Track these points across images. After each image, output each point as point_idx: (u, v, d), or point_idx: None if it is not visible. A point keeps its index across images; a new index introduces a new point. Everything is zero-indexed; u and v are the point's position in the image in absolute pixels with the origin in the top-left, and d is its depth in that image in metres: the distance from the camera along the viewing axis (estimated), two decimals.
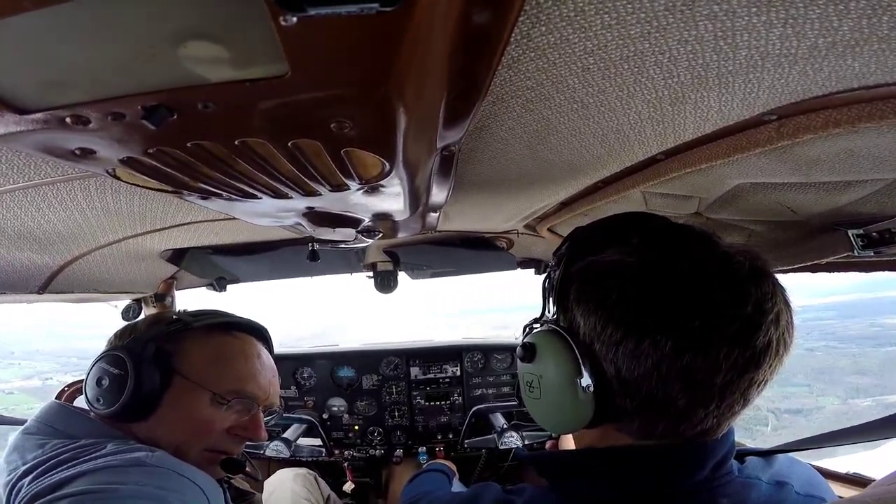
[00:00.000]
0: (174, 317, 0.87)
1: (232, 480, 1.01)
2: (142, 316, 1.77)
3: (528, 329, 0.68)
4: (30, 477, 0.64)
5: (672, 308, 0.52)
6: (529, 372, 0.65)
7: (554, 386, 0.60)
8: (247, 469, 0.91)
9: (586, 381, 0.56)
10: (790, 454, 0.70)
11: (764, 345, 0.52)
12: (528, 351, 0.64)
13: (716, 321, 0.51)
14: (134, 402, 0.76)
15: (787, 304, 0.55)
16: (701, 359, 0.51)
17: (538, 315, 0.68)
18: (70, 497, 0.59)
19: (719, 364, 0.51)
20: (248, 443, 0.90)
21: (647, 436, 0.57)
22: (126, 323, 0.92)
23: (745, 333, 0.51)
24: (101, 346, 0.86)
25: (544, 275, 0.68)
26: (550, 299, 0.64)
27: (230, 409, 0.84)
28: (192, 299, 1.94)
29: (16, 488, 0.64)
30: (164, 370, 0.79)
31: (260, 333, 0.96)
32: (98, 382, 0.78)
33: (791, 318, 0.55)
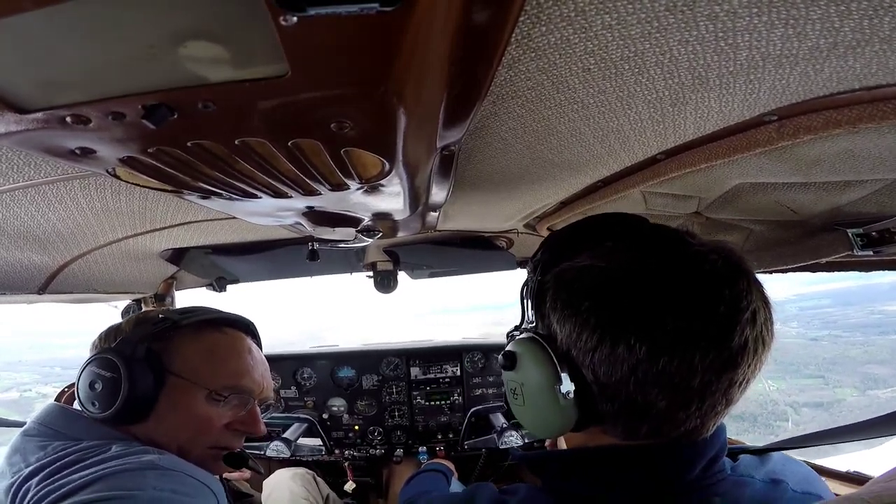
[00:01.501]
0: (161, 316, 0.86)
1: (230, 482, 1.00)
2: None
3: (510, 337, 0.68)
4: (37, 478, 0.64)
5: (644, 312, 0.52)
6: (512, 379, 0.66)
7: (535, 393, 0.61)
8: (249, 463, 0.91)
9: (566, 388, 0.56)
10: (784, 452, 0.69)
11: (740, 345, 0.51)
12: (509, 359, 0.64)
13: (688, 323, 0.50)
14: (130, 404, 0.75)
15: (764, 301, 0.54)
16: (676, 362, 0.50)
17: (518, 322, 0.68)
18: (90, 503, 0.59)
19: (695, 366, 0.51)
20: (247, 437, 0.90)
21: (632, 437, 0.57)
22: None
23: (719, 334, 0.51)
24: (86, 354, 0.84)
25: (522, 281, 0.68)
26: (529, 306, 0.64)
27: (227, 404, 0.84)
28: (192, 300, 1.94)
29: (22, 490, 0.63)
30: (157, 370, 0.79)
31: (247, 328, 0.95)
32: (91, 386, 0.77)
33: (769, 314, 0.54)
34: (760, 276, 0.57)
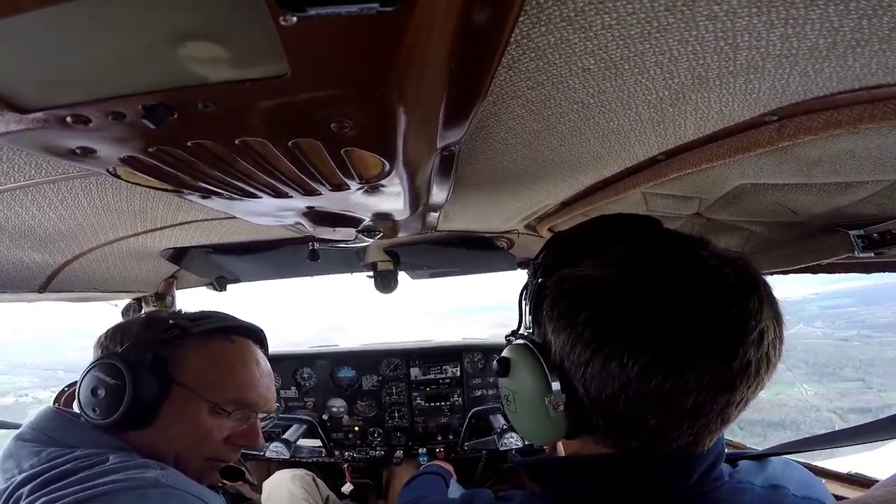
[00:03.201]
0: (171, 322, 0.84)
1: (226, 485, 0.99)
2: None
3: (507, 341, 0.67)
4: (29, 487, 0.62)
5: (640, 329, 0.50)
6: (505, 386, 0.65)
7: (526, 402, 0.60)
8: (246, 477, 0.90)
9: (555, 400, 0.55)
10: (784, 457, 0.69)
11: (742, 366, 0.49)
12: (503, 366, 0.63)
13: (687, 344, 0.48)
14: (131, 413, 0.74)
15: (775, 318, 0.52)
16: (669, 382, 0.49)
17: (516, 326, 0.67)
18: None
19: (689, 387, 0.49)
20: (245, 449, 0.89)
21: (623, 450, 0.56)
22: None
23: (720, 355, 0.49)
24: (90, 356, 0.82)
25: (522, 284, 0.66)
26: (527, 310, 0.62)
27: (229, 418, 0.83)
28: (192, 299, 1.94)
29: (14, 497, 0.62)
30: (162, 379, 0.77)
31: (257, 336, 0.94)
32: (93, 392, 0.75)
33: (779, 332, 0.52)
34: (769, 279, 0.54)
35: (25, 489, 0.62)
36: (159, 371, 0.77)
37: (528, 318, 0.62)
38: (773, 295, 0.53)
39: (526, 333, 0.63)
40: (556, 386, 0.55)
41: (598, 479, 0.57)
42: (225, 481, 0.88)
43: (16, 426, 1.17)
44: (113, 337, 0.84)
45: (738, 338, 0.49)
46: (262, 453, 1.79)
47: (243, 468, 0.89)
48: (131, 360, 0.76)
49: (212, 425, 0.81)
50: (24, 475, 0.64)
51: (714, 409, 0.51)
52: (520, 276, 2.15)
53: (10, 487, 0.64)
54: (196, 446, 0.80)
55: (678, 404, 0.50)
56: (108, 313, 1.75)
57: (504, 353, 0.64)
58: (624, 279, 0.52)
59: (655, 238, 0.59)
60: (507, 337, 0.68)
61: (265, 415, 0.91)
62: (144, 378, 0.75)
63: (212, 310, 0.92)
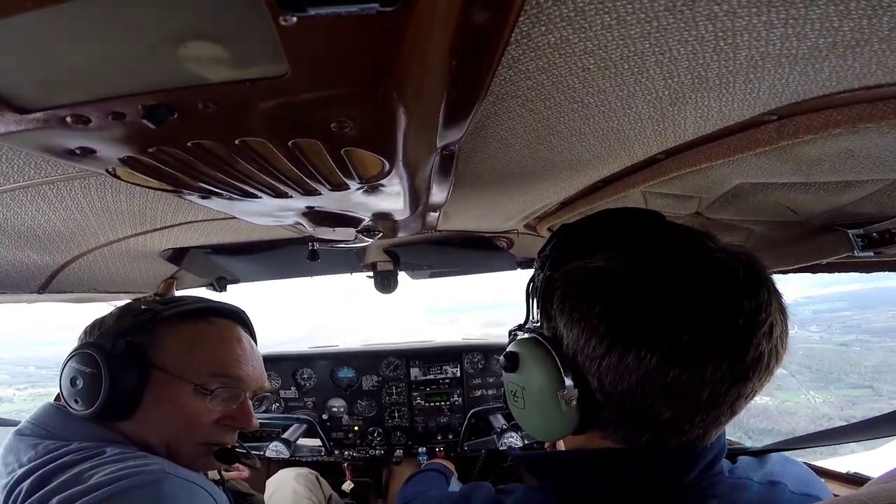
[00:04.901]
0: (143, 307, 0.83)
1: (228, 482, 0.98)
2: None
3: (512, 335, 0.66)
4: (28, 481, 0.63)
5: (657, 322, 0.50)
6: (513, 381, 0.64)
7: (537, 398, 0.59)
8: (241, 458, 0.88)
9: (569, 395, 0.54)
10: (783, 453, 0.69)
11: (754, 358, 0.50)
12: (511, 361, 0.62)
13: (704, 335, 0.49)
14: (113, 401, 0.73)
15: (781, 312, 0.53)
16: (687, 374, 0.49)
17: (523, 320, 0.65)
18: None
19: (706, 380, 0.49)
20: (240, 433, 0.87)
21: (631, 444, 0.56)
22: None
23: (734, 347, 0.49)
24: (66, 352, 0.82)
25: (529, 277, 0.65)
26: (535, 304, 0.61)
27: (216, 398, 0.81)
28: None
29: (15, 492, 0.63)
30: (140, 365, 0.76)
31: (238, 317, 0.92)
32: (72, 383, 0.75)
33: (785, 326, 0.53)
34: None
35: (25, 484, 0.63)
36: (136, 357, 0.77)
37: (535, 312, 0.61)
38: (778, 289, 0.54)
39: (533, 327, 0.62)
40: (569, 380, 0.55)
41: (601, 472, 0.57)
42: (221, 466, 0.86)
43: (13, 423, 1.17)
44: (91, 331, 0.83)
45: (751, 330, 0.50)
46: (262, 453, 1.79)
47: (237, 451, 0.87)
48: (105, 347, 0.76)
49: (198, 407, 0.79)
50: (23, 469, 0.65)
51: (726, 402, 0.51)
52: (499, 275, 2.13)
53: (11, 482, 0.64)
54: (186, 431, 0.79)
55: (694, 397, 0.50)
56: (100, 310, 1.73)
57: (511, 348, 0.63)
58: (637, 273, 0.52)
59: (665, 231, 0.59)
60: (511, 331, 0.67)
61: (257, 394, 0.89)
62: (121, 364, 0.75)
63: (190, 295, 0.91)
